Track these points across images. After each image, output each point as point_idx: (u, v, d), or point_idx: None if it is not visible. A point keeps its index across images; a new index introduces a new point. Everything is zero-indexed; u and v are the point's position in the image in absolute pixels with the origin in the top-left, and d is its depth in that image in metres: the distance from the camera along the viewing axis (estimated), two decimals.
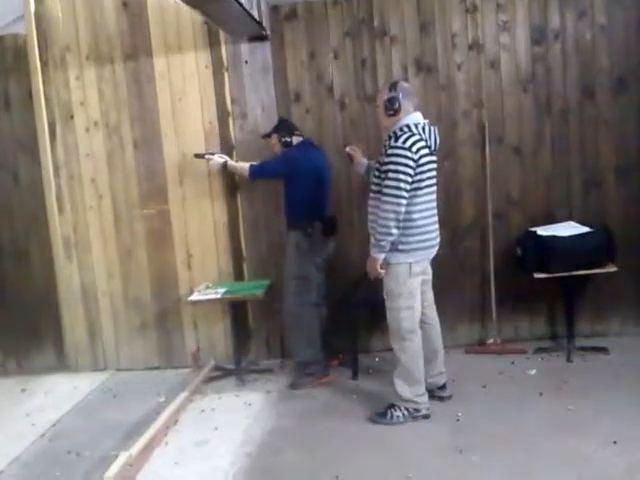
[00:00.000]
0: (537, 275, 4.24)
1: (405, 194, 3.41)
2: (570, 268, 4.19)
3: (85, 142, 4.76)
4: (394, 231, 3.44)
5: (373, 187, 3.61)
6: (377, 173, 3.56)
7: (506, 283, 4.59)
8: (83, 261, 4.86)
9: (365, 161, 3.96)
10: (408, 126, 3.49)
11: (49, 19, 4.68)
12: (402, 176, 3.39)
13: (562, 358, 4.36)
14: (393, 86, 3.57)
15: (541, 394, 3.85)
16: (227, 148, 4.64)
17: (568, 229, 4.33)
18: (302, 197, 4.21)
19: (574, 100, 4.52)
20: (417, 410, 3.66)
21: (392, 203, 3.41)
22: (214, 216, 4.74)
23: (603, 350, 4.38)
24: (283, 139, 4.28)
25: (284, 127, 4.34)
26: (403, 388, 3.65)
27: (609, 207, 4.58)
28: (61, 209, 4.82)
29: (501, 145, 4.58)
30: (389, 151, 3.43)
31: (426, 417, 3.66)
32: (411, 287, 3.60)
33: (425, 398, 3.69)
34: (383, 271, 3.56)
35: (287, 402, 4.13)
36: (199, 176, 4.69)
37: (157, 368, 4.89)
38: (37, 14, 4.67)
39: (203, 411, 4.10)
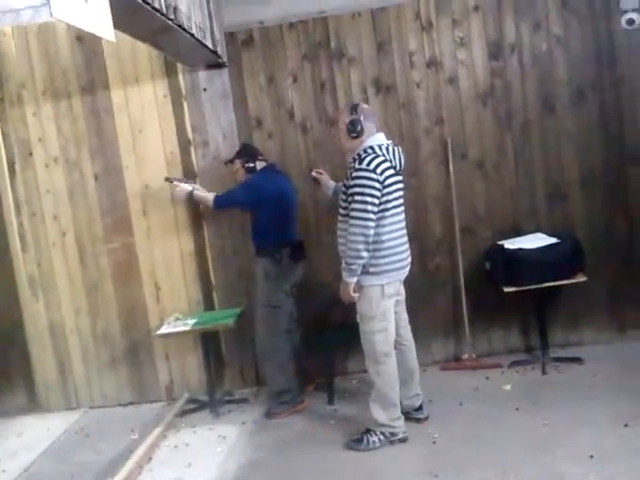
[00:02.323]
0: (506, 289, 4.23)
1: (372, 216, 3.38)
2: (539, 280, 4.18)
3: (45, 178, 4.69)
4: (364, 254, 3.41)
5: (341, 210, 3.59)
6: (344, 197, 3.53)
7: (477, 298, 4.59)
8: (49, 298, 4.78)
9: (332, 183, 3.95)
10: (372, 147, 3.47)
11: (3, 55, 4.62)
12: (369, 198, 3.36)
13: (537, 371, 4.35)
14: (354, 108, 3.55)
15: (517, 409, 3.83)
16: (190, 177, 4.59)
17: (535, 241, 4.33)
18: (269, 223, 4.16)
19: (534, 113, 4.54)
20: (393, 434, 3.61)
21: (360, 226, 3.38)
22: (180, 246, 4.69)
23: (578, 360, 4.37)
24: (246, 165, 4.23)
25: (247, 152, 4.28)
26: (379, 412, 3.60)
27: (574, 217, 4.59)
28: (24, 247, 4.74)
29: (464, 160, 4.59)
30: (354, 174, 3.41)
31: (403, 441, 3.61)
32: (384, 309, 3.56)
33: (401, 422, 3.64)
34: (357, 295, 3.52)
35: (262, 433, 4.07)
36: (163, 206, 4.64)
37: (130, 403, 4.81)
38: None
39: (177, 447, 4.03)
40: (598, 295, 4.56)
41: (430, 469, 3.31)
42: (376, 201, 3.38)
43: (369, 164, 3.39)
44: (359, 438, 3.64)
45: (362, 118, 3.49)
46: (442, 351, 4.70)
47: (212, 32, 4.12)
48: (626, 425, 3.45)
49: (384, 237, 3.47)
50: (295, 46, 4.57)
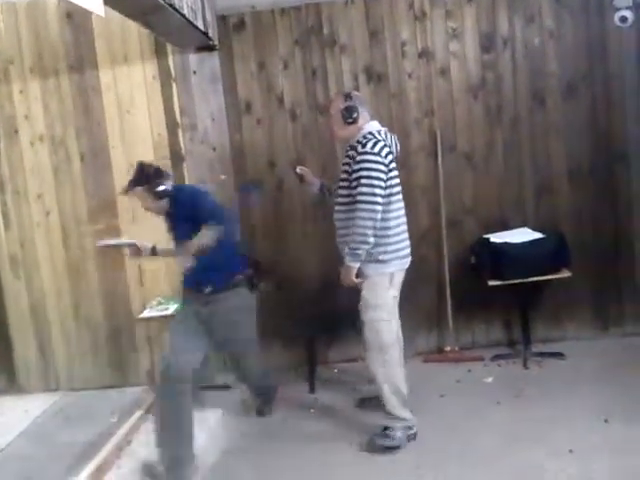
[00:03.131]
0: (491, 282, 4.23)
1: (380, 200, 3.29)
2: (523, 275, 4.18)
3: (30, 157, 4.62)
4: (370, 239, 3.30)
5: (340, 199, 3.48)
6: (345, 184, 3.42)
7: (462, 290, 4.59)
8: (31, 279, 4.72)
9: (317, 180, 3.84)
10: (372, 133, 3.40)
11: None
12: (376, 182, 3.27)
13: (519, 365, 4.37)
14: (348, 95, 3.50)
15: (498, 403, 3.85)
16: (177, 159, 4.54)
17: (521, 235, 4.33)
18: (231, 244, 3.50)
19: (524, 106, 4.53)
20: (410, 428, 3.53)
21: (368, 210, 3.27)
22: (164, 229, 4.63)
23: (559, 355, 4.39)
24: (157, 189, 3.39)
25: (150, 174, 3.41)
26: (397, 407, 3.49)
27: (562, 212, 4.59)
28: (7, 226, 4.68)
29: (453, 153, 4.58)
30: (359, 157, 3.31)
31: (414, 437, 3.52)
32: (391, 298, 3.48)
33: (412, 416, 3.55)
34: (359, 280, 3.42)
35: (243, 419, 4.06)
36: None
37: (111, 387, 4.75)
38: None
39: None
40: (582, 291, 4.58)
41: (410, 460, 3.32)
42: (383, 184, 3.30)
43: (373, 147, 3.31)
44: (383, 436, 3.49)
45: (358, 104, 3.45)
46: (425, 343, 4.70)
47: (204, 14, 4.08)
48: (606, 421, 3.47)
49: (391, 223, 3.39)
50: (287, 32, 4.53)
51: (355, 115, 3.42)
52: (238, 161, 4.61)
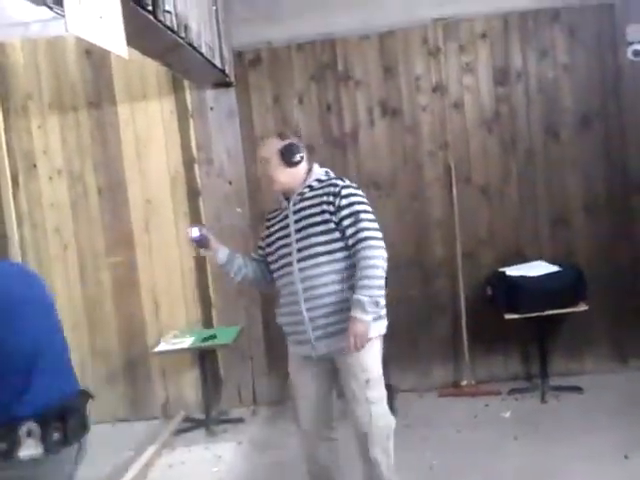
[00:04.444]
0: (508, 316, 4.22)
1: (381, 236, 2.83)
2: (540, 308, 4.16)
3: (49, 191, 4.69)
4: (383, 283, 2.77)
5: (308, 251, 2.80)
6: (314, 230, 2.79)
7: (478, 323, 4.56)
8: None
9: (224, 247, 3.00)
10: (329, 172, 2.95)
11: (11, 67, 4.64)
12: (373, 216, 2.82)
13: (537, 399, 4.31)
14: (283, 134, 3.00)
15: (515, 438, 3.79)
16: (193, 194, 4.59)
17: (537, 269, 4.32)
18: None
19: (539, 139, 4.55)
20: None
21: (380, 248, 2.75)
22: (181, 262, 4.67)
23: (577, 389, 4.34)
24: None
25: None
26: None
27: (578, 245, 4.58)
28: (25, 259, 4.71)
29: (468, 185, 4.59)
30: (344, 192, 2.78)
31: None
32: None
33: None
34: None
35: (259, 453, 4.03)
36: (165, 223, 4.63)
37: (126, 420, 4.76)
38: (0, 64, 4.64)
39: (172, 466, 3.98)
40: (600, 324, 4.53)
41: None
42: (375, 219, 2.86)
43: (351, 183, 2.87)
44: None
45: (297, 143, 2.91)
46: (441, 377, 4.66)
47: (221, 51, 4.14)
48: (626, 457, 3.41)
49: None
50: (302, 67, 4.59)
51: (300, 154, 2.86)
52: (254, 194, 4.64)
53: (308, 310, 2.80)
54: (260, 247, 3.06)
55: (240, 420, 4.51)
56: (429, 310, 4.63)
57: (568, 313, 4.26)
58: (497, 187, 4.59)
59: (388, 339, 4.17)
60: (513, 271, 4.31)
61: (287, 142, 2.87)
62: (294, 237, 2.84)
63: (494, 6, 4.47)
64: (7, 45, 4.63)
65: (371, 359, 2.79)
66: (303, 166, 2.88)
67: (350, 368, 2.80)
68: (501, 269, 4.39)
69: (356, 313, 2.68)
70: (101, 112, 4.61)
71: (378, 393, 2.84)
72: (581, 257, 4.51)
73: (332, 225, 2.79)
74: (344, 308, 2.75)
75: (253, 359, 4.68)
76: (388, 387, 4.24)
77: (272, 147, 2.89)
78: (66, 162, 4.66)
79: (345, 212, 2.77)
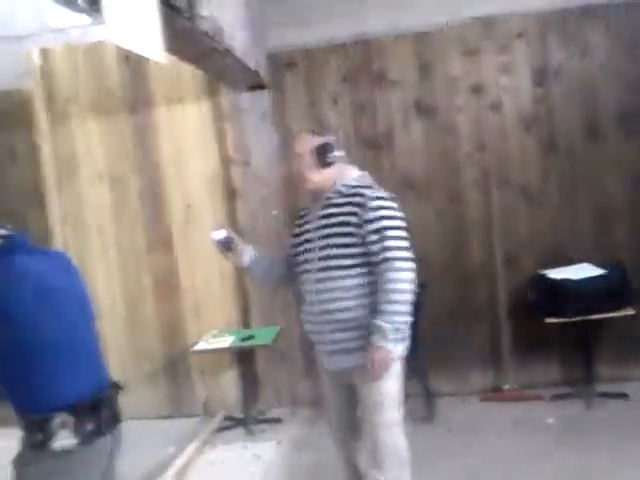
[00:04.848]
0: (549, 320, 4.14)
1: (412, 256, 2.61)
2: (583, 312, 4.06)
3: (90, 193, 4.79)
4: (410, 308, 2.58)
5: (328, 263, 2.64)
6: (339, 241, 2.62)
7: (519, 327, 4.50)
8: None
9: (249, 249, 2.86)
10: (363, 177, 2.77)
11: (52, 73, 4.75)
12: (404, 233, 2.61)
13: (581, 405, 4.22)
14: (319, 131, 2.84)
15: (559, 445, 3.72)
16: (230, 196, 4.64)
17: (580, 272, 4.22)
18: (14, 364, 2.05)
19: (578, 139, 4.46)
20: None
21: (408, 269, 2.54)
22: (219, 263, 4.70)
23: (624, 396, 4.23)
24: None
25: None
26: None
27: (622, 247, 4.46)
28: None
29: (507, 187, 4.52)
30: (373, 203, 2.58)
31: None
32: None
33: None
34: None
35: (298, 454, 4.05)
36: (203, 224, 4.69)
37: (168, 417, 4.83)
38: (41, 69, 4.74)
39: (212, 463, 4.05)
40: None
41: None
42: (407, 236, 2.64)
43: (383, 193, 2.66)
44: None
45: (332, 142, 2.75)
46: (481, 381, 4.61)
47: (255, 54, 4.17)
48: None
49: None
50: (336, 68, 4.59)
51: (333, 155, 2.72)
52: (289, 196, 4.66)
53: (322, 323, 2.68)
54: (290, 246, 2.89)
55: (278, 420, 4.55)
56: (468, 314, 4.57)
57: (613, 318, 4.15)
58: (537, 188, 4.52)
59: (429, 342, 4.18)
60: (555, 274, 4.23)
61: (322, 140, 2.72)
62: (317, 244, 2.69)
63: (531, 5, 4.39)
64: (49, 51, 4.74)
65: (388, 382, 2.62)
66: (337, 167, 2.72)
67: (364, 389, 2.67)
68: (542, 272, 4.31)
69: (376, 340, 2.52)
70: (140, 116, 4.68)
71: (391, 417, 2.66)
72: (625, 260, 4.37)
73: (355, 239, 2.60)
74: (360, 326, 2.60)
75: (291, 360, 4.71)
76: (427, 392, 4.27)
77: (306, 144, 2.74)
78: (107, 165, 4.75)
79: (371, 227, 2.57)
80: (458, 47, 4.50)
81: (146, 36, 2.54)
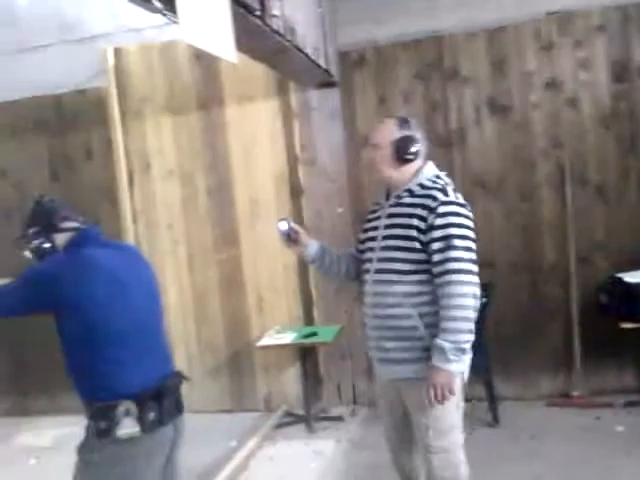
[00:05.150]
0: (624, 324, 3.98)
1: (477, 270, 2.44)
2: None
3: (161, 190, 4.89)
4: (473, 326, 2.39)
5: (385, 265, 2.50)
6: (400, 243, 2.47)
7: (591, 331, 4.33)
8: None
9: (313, 241, 2.74)
10: (439, 177, 2.55)
11: (128, 72, 4.86)
12: (471, 244, 2.42)
13: None
14: (405, 121, 2.57)
15: (628, 454, 3.58)
16: (296, 193, 4.65)
17: None
18: (86, 352, 2.14)
19: None
20: None
21: (471, 284, 2.36)
22: (284, 260, 4.73)
23: None
24: (34, 243, 2.26)
25: (41, 219, 2.28)
26: None
27: None
28: None
29: (583, 185, 4.35)
30: (442, 209, 2.41)
31: None
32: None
33: None
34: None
35: (358, 452, 4.03)
36: (269, 221, 4.70)
37: (229, 411, 4.90)
38: (116, 68, 4.85)
39: (272, 458, 4.08)
40: None
41: None
42: (475, 248, 2.45)
43: (457, 197, 2.48)
44: None
45: (418, 136, 2.55)
46: (549, 386, 4.47)
47: (326, 52, 4.15)
48: None
49: None
50: (407, 65, 4.52)
51: (415, 151, 2.52)
52: (356, 194, 4.63)
53: (374, 328, 2.54)
54: (358, 241, 2.76)
55: (340, 419, 4.54)
56: (539, 316, 4.44)
57: None
58: (614, 187, 4.33)
59: (495, 345, 4.08)
60: (631, 277, 4.06)
61: (405, 133, 2.50)
62: (379, 244, 2.54)
63: None
64: (124, 50, 4.86)
65: (445, 405, 2.40)
66: (416, 163, 2.53)
67: (416, 410, 2.50)
68: (618, 275, 4.14)
69: (437, 361, 2.35)
70: (210, 114, 4.74)
71: (444, 443, 2.47)
72: None
73: (417, 244, 2.43)
74: (413, 337, 2.45)
75: (353, 359, 4.69)
76: (491, 395, 4.17)
77: (387, 134, 2.53)
78: (178, 163, 4.84)
79: (437, 234, 2.39)
80: (533, 42, 4.35)
81: (218, 35, 2.55)
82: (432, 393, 2.35)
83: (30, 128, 5.09)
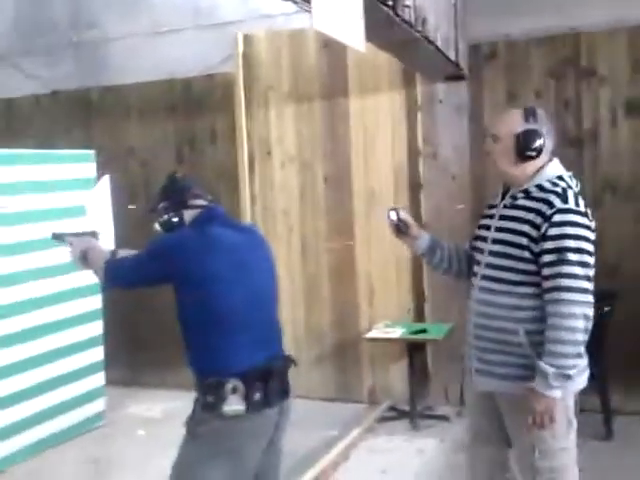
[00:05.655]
0: None
1: (592, 288, 2.21)
2: None
3: (280, 176, 4.98)
4: (583, 349, 2.21)
5: (489, 272, 2.35)
6: (510, 250, 2.29)
7: None
8: None
9: (423, 233, 2.62)
10: (562, 179, 2.31)
11: (255, 59, 4.97)
12: (588, 259, 2.19)
13: None
14: (532, 112, 2.34)
15: None
16: (415, 187, 4.59)
17: None
18: (201, 327, 2.22)
19: None
20: None
21: (582, 303, 2.15)
22: (397, 253, 4.69)
23: None
24: (164, 217, 2.35)
25: (172, 194, 2.38)
26: None
27: None
28: None
29: None
30: (557, 218, 2.19)
31: None
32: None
33: None
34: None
35: (462, 454, 3.94)
36: (385, 212, 4.68)
37: (332, 400, 4.93)
38: (245, 55, 4.97)
39: (373, 451, 4.07)
40: None
41: None
42: (592, 263, 2.22)
43: (577, 204, 2.23)
44: None
45: (544, 131, 2.32)
46: None
47: (456, 44, 4.06)
48: None
49: None
50: (540, 62, 4.36)
51: (538, 147, 2.29)
52: (478, 191, 4.51)
53: (476, 337, 2.38)
54: (472, 238, 2.58)
55: (445, 418, 4.47)
56: None
57: None
58: None
59: (613, 355, 3.87)
60: None
61: (530, 127, 2.29)
62: (489, 247, 2.37)
63: None
64: (253, 36, 4.96)
65: (550, 428, 2.21)
66: (538, 161, 2.31)
67: (514, 427, 2.35)
68: None
69: (539, 386, 2.17)
70: (333, 103, 4.77)
71: (553, 464, 2.27)
72: None
73: (527, 254, 2.24)
74: (514, 353, 2.28)
75: (463, 359, 4.58)
76: (607, 408, 3.96)
77: (510, 126, 2.33)
78: (298, 150, 4.91)
79: (549, 245, 2.19)
80: None
81: (349, 24, 2.55)
82: (531, 420, 2.20)
83: (160, 109, 5.32)
